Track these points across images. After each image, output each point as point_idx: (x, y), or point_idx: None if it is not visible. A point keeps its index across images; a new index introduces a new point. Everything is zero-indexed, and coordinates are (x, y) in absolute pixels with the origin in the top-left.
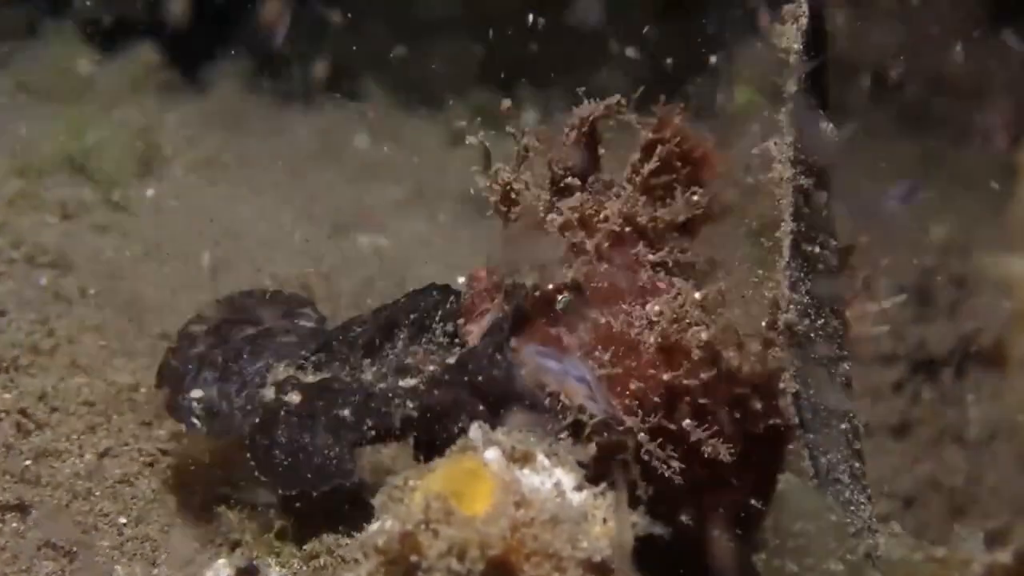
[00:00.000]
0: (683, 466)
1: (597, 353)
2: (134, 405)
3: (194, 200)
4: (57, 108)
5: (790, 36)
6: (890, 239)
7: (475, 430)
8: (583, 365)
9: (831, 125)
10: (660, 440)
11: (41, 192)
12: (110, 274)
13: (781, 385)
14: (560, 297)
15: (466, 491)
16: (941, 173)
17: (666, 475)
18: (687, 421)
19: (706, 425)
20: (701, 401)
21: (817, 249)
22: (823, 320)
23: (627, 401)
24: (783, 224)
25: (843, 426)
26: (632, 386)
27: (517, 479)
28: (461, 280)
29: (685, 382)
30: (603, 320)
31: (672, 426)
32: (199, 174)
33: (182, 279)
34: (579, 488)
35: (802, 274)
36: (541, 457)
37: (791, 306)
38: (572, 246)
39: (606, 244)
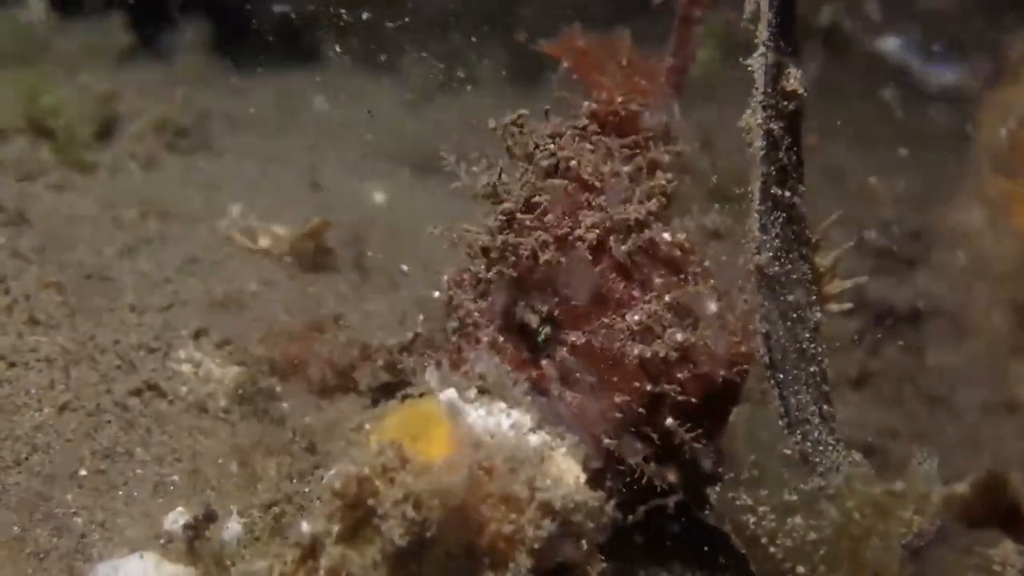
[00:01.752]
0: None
1: (579, 373)
2: (93, 360)
3: (152, 162)
4: (17, 71)
5: None
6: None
7: (431, 372)
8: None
9: (801, 71)
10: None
11: None
12: (67, 233)
13: (751, 326)
14: (540, 330)
15: (422, 434)
16: (900, 128)
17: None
18: (670, 421)
19: (688, 424)
20: (680, 399)
21: (787, 194)
22: (793, 265)
23: (614, 414)
24: (753, 169)
25: (812, 368)
26: (617, 399)
27: (473, 421)
28: (436, 294)
29: (667, 387)
30: (584, 340)
31: (653, 432)
32: (158, 137)
33: (138, 238)
34: (536, 428)
35: (773, 217)
36: (497, 398)
37: (763, 248)
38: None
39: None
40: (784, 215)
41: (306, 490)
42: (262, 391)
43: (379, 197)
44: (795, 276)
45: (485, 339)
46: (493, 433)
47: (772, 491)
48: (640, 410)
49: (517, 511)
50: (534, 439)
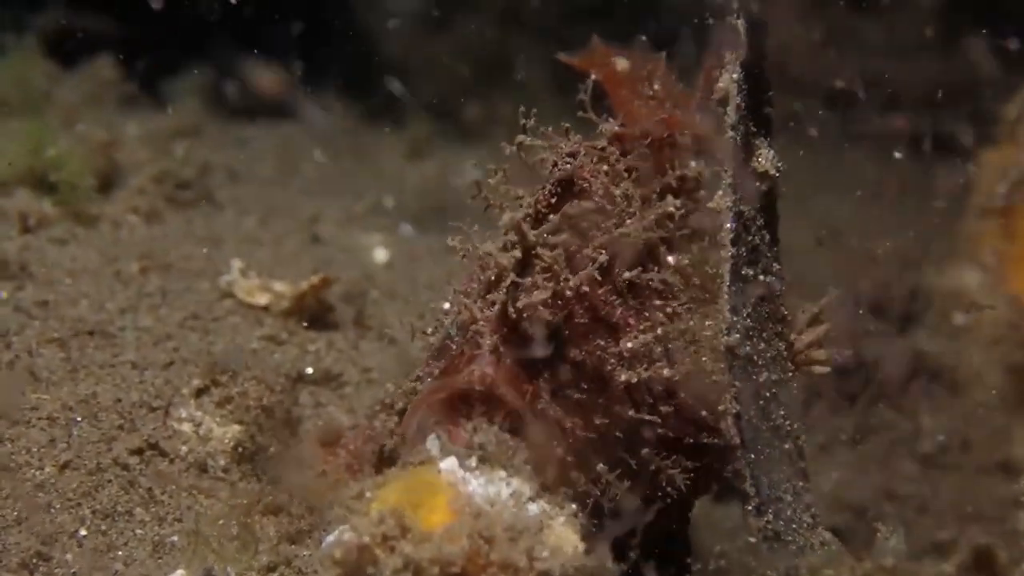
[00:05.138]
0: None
1: (569, 391)
2: (95, 419)
3: (153, 215)
4: (18, 122)
5: (729, 69)
6: (844, 252)
7: (432, 441)
8: None
9: (772, 152)
10: (619, 471)
11: (1, 204)
12: (69, 287)
13: (721, 407)
14: (547, 343)
15: (423, 502)
16: (895, 186)
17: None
18: (645, 451)
19: (664, 453)
20: (660, 431)
21: (760, 274)
22: (767, 343)
23: (590, 434)
24: (723, 250)
25: (787, 446)
26: (597, 421)
27: (473, 490)
28: (446, 306)
29: (648, 418)
30: (579, 358)
31: (631, 460)
32: (158, 190)
33: (139, 294)
34: (536, 497)
35: (744, 298)
36: (498, 467)
37: (733, 329)
38: (555, 290)
39: (585, 287)
40: (757, 295)
41: (305, 553)
42: (262, 450)
43: (380, 251)
44: (769, 354)
45: (487, 346)
46: (493, 502)
47: None
48: (619, 435)
49: None
50: (533, 508)
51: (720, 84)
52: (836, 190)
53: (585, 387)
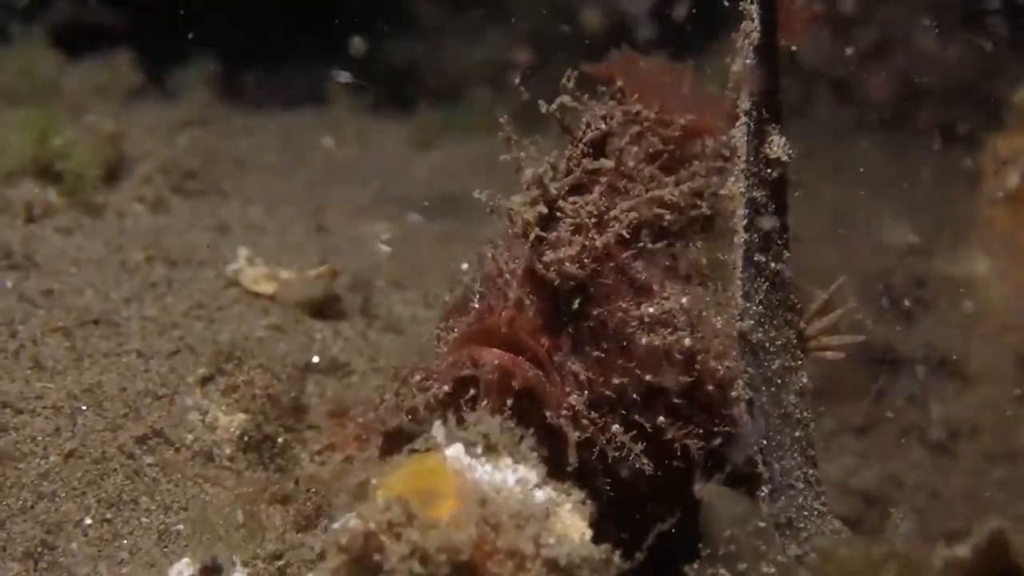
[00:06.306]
0: (651, 464)
1: (588, 348)
2: (100, 407)
3: (159, 204)
4: (25, 111)
5: (743, 55)
6: (852, 240)
7: (438, 427)
8: None
9: (784, 139)
10: (634, 433)
11: (7, 194)
12: (75, 276)
13: (734, 393)
14: (572, 300)
15: (429, 489)
16: (904, 174)
17: (637, 466)
18: (661, 419)
19: (680, 423)
20: (676, 401)
21: (771, 261)
22: (777, 331)
23: (607, 392)
24: (736, 236)
25: (797, 433)
26: (615, 381)
27: (480, 477)
28: (464, 266)
29: (665, 384)
30: (601, 318)
31: (647, 424)
32: (165, 179)
33: (144, 283)
34: (543, 484)
35: (756, 284)
36: (504, 453)
37: (746, 315)
38: (583, 246)
39: (613, 241)
40: (768, 282)
41: (312, 541)
42: (268, 438)
43: (385, 240)
44: (780, 342)
45: (512, 298)
46: (499, 489)
47: (750, 565)
48: (636, 397)
49: (522, 568)
50: (540, 495)
51: (733, 69)
52: (846, 177)
53: (606, 346)
